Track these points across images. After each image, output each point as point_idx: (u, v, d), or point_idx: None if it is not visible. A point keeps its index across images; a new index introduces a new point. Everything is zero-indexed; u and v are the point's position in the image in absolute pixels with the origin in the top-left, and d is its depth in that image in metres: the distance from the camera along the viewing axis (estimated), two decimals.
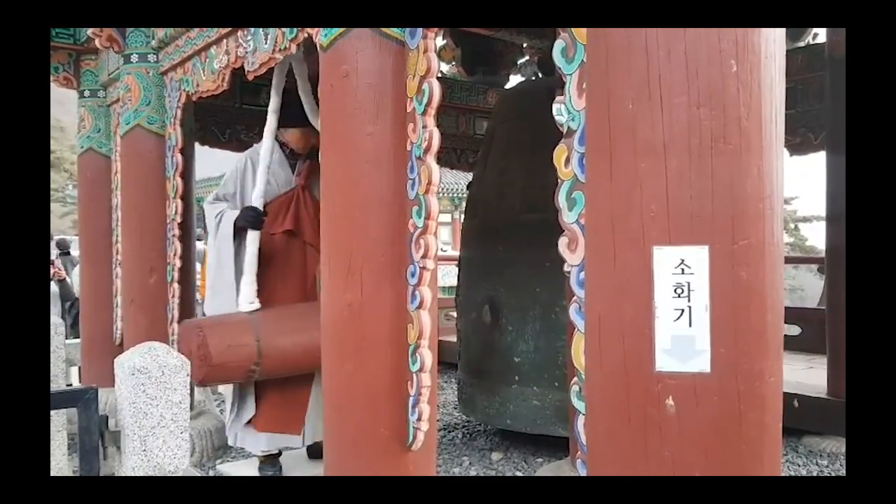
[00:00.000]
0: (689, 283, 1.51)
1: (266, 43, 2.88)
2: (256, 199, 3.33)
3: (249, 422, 3.42)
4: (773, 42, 1.58)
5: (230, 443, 3.56)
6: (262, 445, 3.45)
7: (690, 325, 1.51)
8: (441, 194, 18.26)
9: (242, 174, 3.47)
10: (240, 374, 3.13)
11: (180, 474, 2.27)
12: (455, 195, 18.76)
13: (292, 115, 3.41)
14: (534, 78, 5.44)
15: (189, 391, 2.45)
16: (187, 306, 4.01)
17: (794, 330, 5.89)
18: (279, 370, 3.22)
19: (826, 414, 4.07)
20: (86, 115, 4.87)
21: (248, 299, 3.26)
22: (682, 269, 1.51)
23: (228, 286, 3.32)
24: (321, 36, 2.44)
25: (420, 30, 2.23)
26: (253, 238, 3.29)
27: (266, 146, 3.36)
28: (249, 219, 3.28)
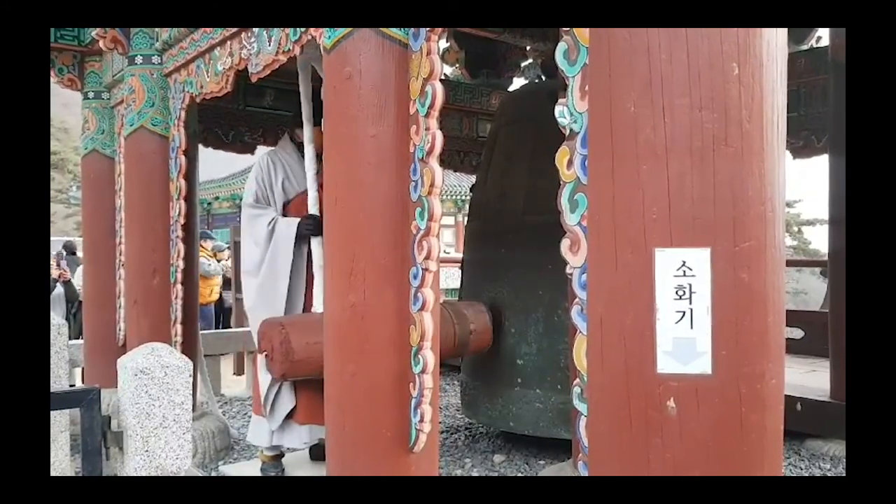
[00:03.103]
0: (690, 286, 1.51)
1: (270, 45, 2.89)
2: (313, 207, 3.41)
3: (287, 417, 3.43)
4: (774, 44, 1.58)
5: (264, 444, 3.53)
6: (305, 438, 3.48)
7: (692, 328, 1.51)
8: (445, 196, 18.30)
9: (268, 174, 3.54)
10: (318, 369, 3.17)
11: (182, 475, 2.27)
12: (459, 197, 18.78)
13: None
14: (537, 80, 5.44)
15: (191, 392, 2.45)
16: (190, 308, 4.02)
17: (798, 333, 5.89)
18: None
19: (829, 417, 4.06)
20: (90, 117, 4.88)
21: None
22: (684, 272, 1.51)
23: (281, 291, 3.41)
24: (324, 38, 2.45)
25: (423, 32, 2.24)
26: (318, 244, 3.37)
27: (308, 154, 3.42)
28: (310, 227, 3.37)
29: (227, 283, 9.37)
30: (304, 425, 3.44)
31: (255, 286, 3.48)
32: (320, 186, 3.44)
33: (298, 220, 3.43)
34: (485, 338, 3.90)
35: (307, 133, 3.42)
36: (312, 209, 3.41)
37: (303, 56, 2.91)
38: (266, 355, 3.15)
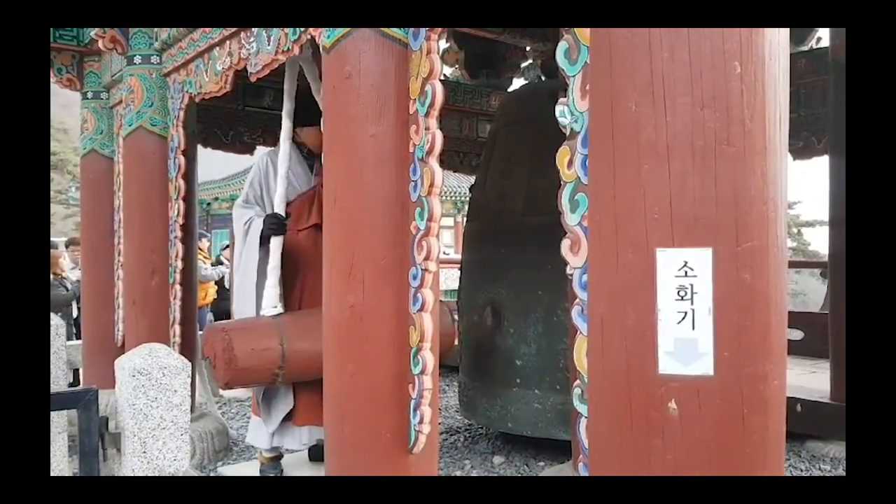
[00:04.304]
0: (692, 286, 1.50)
1: (269, 45, 2.88)
2: (278, 205, 3.38)
3: (286, 419, 3.42)
4: (776, 43, 1.57)
5: (263, 445, 3.51)
6: (304, 439, 3.47)
7: (693, 328, 1.50)
8: (444, 197, 18.29)
9: (265, 175, 3.53)
10: (264, 377, 3.11)
11: (181, 475, 2.26)
12: (458, 198, 18.78)
13: (307, 114, 3.43)
14: (537, 81, 5.44)
15: (190, 393, 2.44)
16: (189, 308, 4.01)
17: (797, 334, 5.88)
18: (302, 374, 3.19)
19: (829, 419, 4.05)
20: (88, 117, 4.87)
21: (271, 303, 3.29)
22: (686, 272, 1.51)
23: (251, 290, 3.38)
24: (324, 37, 2.44)
25: (423, 31, 2.23)
26: (276, 244, 3.33)
27: (283, 150, 3.40)
28: (272, 226, 3.33)
29: None
30: (304, 426, 3.43)
31: (236, 285, 3.49)
32: (318, 184, 3.43)
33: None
34: (446, 340, 3.71)
35: (285, 129, 3.41)
36: (278, 208, 3.37)
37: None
38: (210, 362, 3.09)
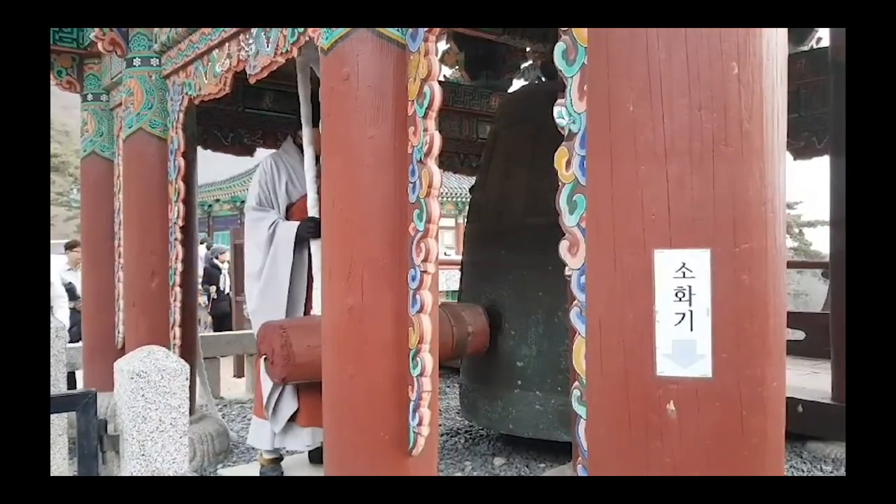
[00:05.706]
0: (690, 287, 1.50)
1: (267, 46, 2.88)
2: (312, 209, 3.40)
3: (290, 420, 3.42)
4: (774, 44, 1.56)
5: (265, 447, 3.51)
6: (307, 440, 3.48)
7: (692, 330, 1.50)
8: (444, 198, 18.29)
9: (272, 176, 3.53)
10: (320, 372, 3.15)
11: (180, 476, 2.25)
12: (458, 199, 18.78)
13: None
14: (537, 82, 5.44)
15: (189, 395, 2.44)
16: (189, 310, 4.01)
17: (799, 335, 5.87)
18: None
19: (830, 419, 4.04)
20: (89, 119, 4.88)
21: None
22: (684, 273, 1.50)
23: (282, 293, 3.40)
24: (322, 38, 2.44)
25: (421, 32, 2.23)
26: (318, 245, 3.34)
27: (308, 156, 3.42)
28: (311, 230, 3.35)
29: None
30: (307, 428, 3.43)
31: (258, 289, 3.48)
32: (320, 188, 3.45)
33: (298, 222, 3.42)
34: (482, 340, 3.88)
35: (307, 135, 3.41)
36: (312, 211, 3.40)
37: (301, 57, 2.91)
38: (266, 359, 3.12)
